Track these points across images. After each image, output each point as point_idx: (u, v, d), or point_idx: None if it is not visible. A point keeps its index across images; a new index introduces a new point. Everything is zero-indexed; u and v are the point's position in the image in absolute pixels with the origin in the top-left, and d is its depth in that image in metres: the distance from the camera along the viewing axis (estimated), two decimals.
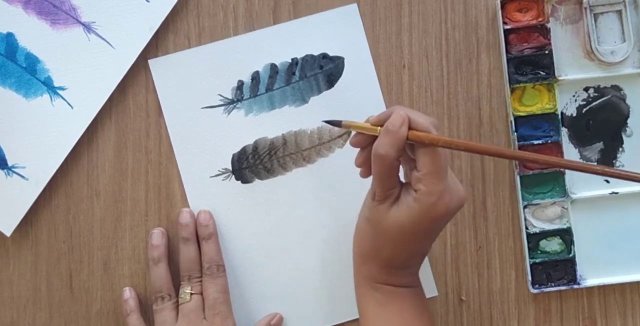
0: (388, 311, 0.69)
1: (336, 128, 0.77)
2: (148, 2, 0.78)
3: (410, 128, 0.64)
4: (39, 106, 0.78)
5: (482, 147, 0.65)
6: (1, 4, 0.78)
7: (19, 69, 0.78)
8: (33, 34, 0.78)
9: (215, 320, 0.75)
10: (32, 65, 0.78)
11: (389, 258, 0.68)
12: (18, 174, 0.78)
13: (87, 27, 0.78)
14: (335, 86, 0.79)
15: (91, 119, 0.78)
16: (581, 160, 0.63)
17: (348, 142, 0.76)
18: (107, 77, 0.78)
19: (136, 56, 0.78)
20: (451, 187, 0.65)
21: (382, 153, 0.64)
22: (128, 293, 0.78)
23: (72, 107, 0.78)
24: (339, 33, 0.79)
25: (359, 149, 0.69)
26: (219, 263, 0.77)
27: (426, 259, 0.79)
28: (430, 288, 0.79)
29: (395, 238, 0.66)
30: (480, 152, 0.65)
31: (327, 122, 0.73)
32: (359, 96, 0.79)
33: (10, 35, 0.78)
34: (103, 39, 0.78)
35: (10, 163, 0.78)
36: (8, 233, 0.78)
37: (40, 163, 0.78)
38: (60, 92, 0.78)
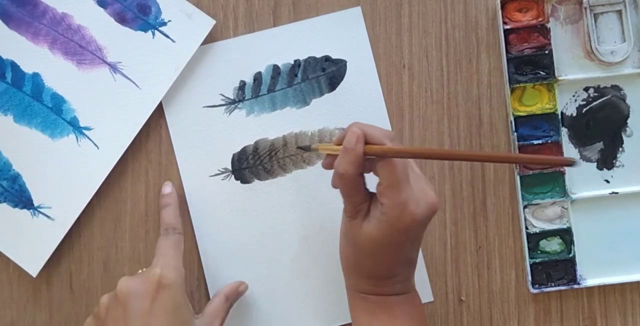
0: (377, 320, 0.69)
1: (337, 131, 0.78)
2: (174, 42, 0.78)
3: (367, 142, 0.64)
4: (64, 146, 0.78)
5: (428, 151, 0.67)
6: (28, 44, 0.78)
7: (45, 109, 0.78)
8: (59, 74, 0.78)
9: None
10: (58, 105, 0.78)
11: (371, 270, 0.68)
12: (44, 214, 0.78)
13: (113, 67, 0.78)
14: (337, 89, 0.79)
15: (117, 159, 0.78)
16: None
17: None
18: (133, 117, 0.78)
19: (162, 96, 0.78)
20: (417, 195, 0.64)
21: (341, 171, 0.65)
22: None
23: (97, 147, 0.78)
24: (342, 36, 0.79)
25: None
26: (175, 226, 0.75)
27: (423, 265, 0.79)
28: (426, 294, 0.79)
29: (372, 252, 0.66)
30: (427, 156, 0.66)
31: (299, 147, 0.78)
32: (360, 99, 0.79)
33: (36, 76, 0.78)
34: (129, 79, 0.78)
35: (36, 204, 0.78)
36: (34, 274, 0.78)
37: (66, 203, 0.78)
38: (86, 132, 0.78)
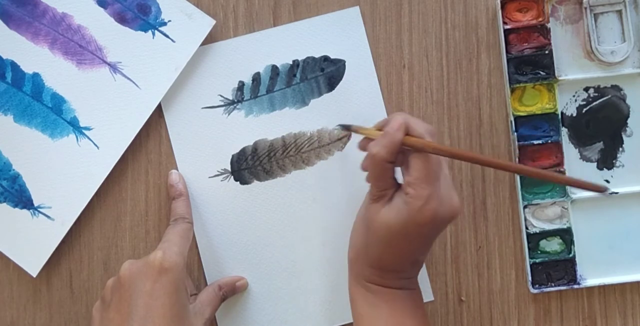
0: (378, 312, 0.70)
1: (335, 131, 0.78)
2: (174, 42, 0.78)
3: (407, 134, 0.65)
4: (64, 146, 0.78)
5: (467, 154, 0.66)
6: (28, 44, 0.78)
7: (45, 109, 0.78)
8: (59, 74, 0.78)
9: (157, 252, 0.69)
10: (58, 105, 0.78)
11: (379, 259, 0.69)
12: (44, 214, 0.78)
13: (113, 67, 0.78)
14: (336, 89, 0.79)
15: (117, 159, 0.78)
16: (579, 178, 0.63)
17: (347, 145, 0.77)
18: (133, 117, 0.78)
19: (162, 96, 0.78)
20: (443, 194, 0.65)
21: (373, 152, 0.65)
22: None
23: (97, 147, 0.78)
24: (340, 36, 0.79)
25: (366, 153, 0.70)
26: (185, 216, 0.76)
27: (423, 265, 0.78)
28: (426, 293, 0.79)
29: (384, 239, 0.67)
30: (465, 158, 0.66)
31: (341, 125, 0.76)
32: (359, 99, 0.79)
33: (36, 76, 0.78)
34: (129, 79, 0.78)
35: (36, 204, 0.78)
36: (34, 274, 0.78)
37: (66, 203, 0.78)
38: (86, 132, 0.78)
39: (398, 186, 0.68)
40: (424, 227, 0.65)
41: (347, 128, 0.75)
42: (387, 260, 0.68)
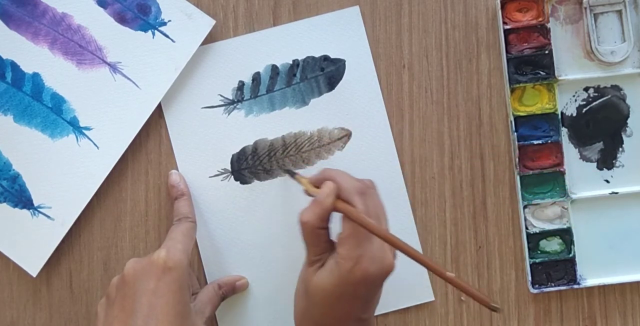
0: None
1: (336, 131, 0.78)
2: (174, 42, 0.78)
3: (339, 197, 0.66)
4: (64, 146, 0.78)
5: (385, 235, 0.64)
6: (27, 44, 0.78)
7: (45, 109, 0.78)
8: (59, 74, 0.78)
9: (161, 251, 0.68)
10: (57, 105, 0.78)
11: (321, 320, 0.68)
12: (44, 214, 0.78)
13: (113, 67, 0.78)
14: (336, 88, 0.79)
15: (117, 159, 0.78)
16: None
17: (347, 145, 0.77)
18: (133, 117, 0.78)
19: (162, 96, 0.78)
20: (374, 253, 0.65)
21: (303, 220, 0.66)
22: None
23: (97, 147, 0.78)
24: (340, 35, 0.79)
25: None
26: (188, 216, 0.76)
27: None
28: (426, 293, 0.79)
29: (321, 302, 0.67)
30: (383, 238, 0.64)
31: (287, 171, 0.78)
32: (359, 99, 0.79)
33: (36, 76, 0.78)
34: (129, 79, 0.78)
35: (36, 204, 0.78)
36: (34, 274, 0.78)
37: (66, 203, 0.78)
38: (86, 132, 0.78)
39: (334, 248, 0.68)
40: (357, 287, 0.65)
41: (291, 174, 0.76)
42: (330, 320, 0.68)
